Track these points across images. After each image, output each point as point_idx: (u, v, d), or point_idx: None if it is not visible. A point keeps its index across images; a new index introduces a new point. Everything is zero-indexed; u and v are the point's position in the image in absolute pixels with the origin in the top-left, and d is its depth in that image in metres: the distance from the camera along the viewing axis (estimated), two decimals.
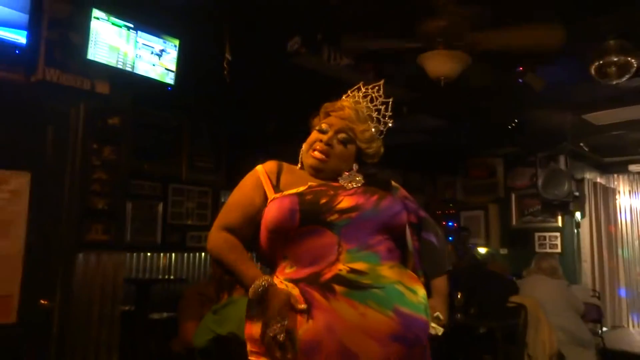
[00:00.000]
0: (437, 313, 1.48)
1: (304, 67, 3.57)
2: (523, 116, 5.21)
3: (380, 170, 6.18)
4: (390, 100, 1.54)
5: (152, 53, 3.01)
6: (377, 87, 1.54)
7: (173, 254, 4.57)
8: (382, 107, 1.52)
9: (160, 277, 4.41)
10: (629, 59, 3.42)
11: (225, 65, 3.09)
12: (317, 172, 1.46)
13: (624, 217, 7.87)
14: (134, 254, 4.25)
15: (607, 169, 7.67)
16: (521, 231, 6.77)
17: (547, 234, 6.60)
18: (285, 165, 1.52)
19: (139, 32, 2.95)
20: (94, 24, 2.75)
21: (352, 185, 1.44)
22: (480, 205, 7.11)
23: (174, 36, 3.09)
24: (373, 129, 1.51)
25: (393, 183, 1.53)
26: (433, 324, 1.43)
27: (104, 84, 2.83)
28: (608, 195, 7.70)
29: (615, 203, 7.83)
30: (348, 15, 3.21)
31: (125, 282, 2.94)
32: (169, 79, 3.09)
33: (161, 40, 3.05)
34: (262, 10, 3.10)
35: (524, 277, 5.25)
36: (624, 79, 3.53)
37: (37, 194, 2.53)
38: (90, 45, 2.73)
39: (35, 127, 2.63)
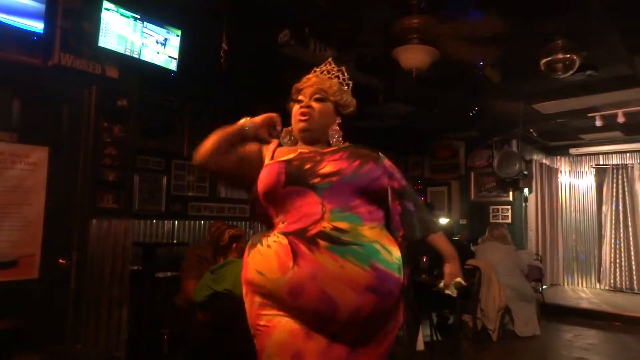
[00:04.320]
0: (459, 279, 1.47)
1: (292, 57, 3.54)
2: (482, 105, 5.26)
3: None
4: (344, 67, 1.57)
5: (156, 42, 2.95)
6: (328, 63, 1.57)
7: (176, 221, 4.56)
8: (340, 74, 1.55)
9: (164, 241, 4.40)
10: (574, 56, 3.47)
11: (222, 54, 3.04)
12: (306, 132, 1.47)
13: (564, 193, 8.06)
14: (141, 221, 4.23)
15: (551, 152, 7.80)
16: (478, 204, 6.90)
17: (500, 207, 6.74)
18: (283, 147, 1.53)
19: (145, 23, 2.88)
20: (104, 15, 2.68)
21: (338, 140, 1.49)
22: (444, 181, 7.21)
23: (177, 27, 3.03)
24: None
25: (380, 153, 1.51)
26: (451, 288, 1.45)
27: (113, 69, 2.78)
28: (552, 174, 7.86)
29: (558, 181, 8.01)
30: (332, 12, 3.18)
31: (133, 245, 2.94)
32: (172, 65, 3.04)
33: (165, 30, 2.98)
34: (256, 5, 3.05)
35: (479, 243, 5.38)
36: (568, 74, 3.58)
37: (55, 166, 2.50)
38: (101, 33, 2.66)
39: (52, 107, 2.59)
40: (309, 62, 3.76)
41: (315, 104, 1.47)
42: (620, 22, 3.20)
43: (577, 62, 3.49)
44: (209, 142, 1.37)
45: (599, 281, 7.55)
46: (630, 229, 7.28)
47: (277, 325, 1.27)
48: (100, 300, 2.62)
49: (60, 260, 2.50)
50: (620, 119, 5.27)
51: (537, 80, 4.24)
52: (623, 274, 7.29)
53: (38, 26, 2.40)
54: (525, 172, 6.41)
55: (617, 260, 7.34)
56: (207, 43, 3.08)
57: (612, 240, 7.40)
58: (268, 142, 1.48)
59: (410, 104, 5.29)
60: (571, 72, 3.54)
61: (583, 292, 7.28)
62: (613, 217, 7.42)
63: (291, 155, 1.40)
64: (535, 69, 3.62)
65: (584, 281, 7.78)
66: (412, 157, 7.59)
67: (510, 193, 6.66)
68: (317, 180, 1.33)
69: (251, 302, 1.33)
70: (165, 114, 4.54)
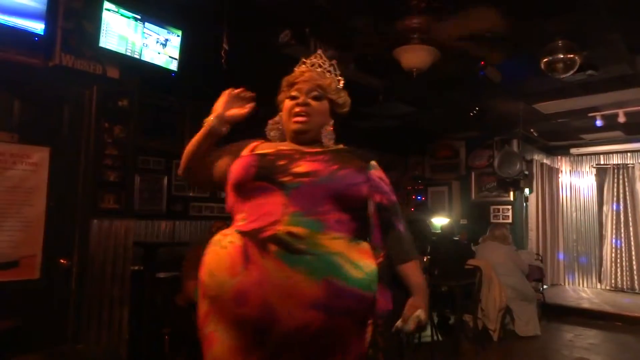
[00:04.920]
0: (419, 312, 1.24)
1: (293, 57, 3.53)
2: (483, 105, 5.25)
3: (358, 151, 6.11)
4: (334, 61, 1.46)
5: (157, 42, 2.95)
6: (317, 56, 1.46)
7: (176, 222, 4.56)
8: (331, 68, 1.44)
9: (165, 241, 4.41)
10: (574, 57, 3.47)
11: (223, 54, 3.04)
12: (302, 134, 1.36)
13: (564, 193, 8.05)
14: (142, 221, 4.23)
15: (552, 152, 7.80)
16: (479, 204, 6.89)
17: (500, 207, 6.74)
18: (264, 142, 1.44)
19: (145, 23, 2.88)
20: (105, 15, 2.68)
21: (329, 142, 1.38)
22: (445, 181, 7.20)
23: (177, 27, 3.03)
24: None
25: (372, 162, 1.38)
26: (409, 322, 1.23)
27: (114, 69, 2.78)
28: (552, 174, 7.85)
29: (558, 181, 8.00)
30: (332, 13, 3.18)
31: (134, 245, 2.94)
32: (173, 65, 3.04)
33: (165, 31, 2.98)
34: (256, 5, 3.05)
35: (479, 243, 5.38)
36: (569, 74, 3.58)
37: (56, 166, 2.50)
38: (101, 34, 2.67)
39: (53, 107, 2.59)
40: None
41: (312, 102, 1.36)
42: (621, 22, 3.20)
43: (578, 62, 3.49)
44: (184, 152, 1.36)
45: (600, 281, 7.55)
46: (631, 228, 7.27)
47: (217, 340, 1.17)
48: (101, 300, 2.62)
49: (61, 261, 2.50)
50: (621, 119, 5.27)
51: (537, 80, 4.23)
52: (624, 273, 7.28)
53: (39, 27, 2.40)
54: (526, 172, 6.41)
55: (618, 260, 7.34)
56: (208, 43, 3.09)
57: (613, 240, 7.40)
58: (244, 115, 1.38)
59: (410, 104, 5.29)
60: (572, 72, 3.54)
61: (584, 292, 7.28)
62: (614, 217, 7.42)
63: (269, 150, 1.33)
64: (536, 69, 3.62)
65: (584, 281, 7.78)
66: (413, 157, 7.58)
67: (511, 193, 6.66)
68: (287, 178, 1.22)
69: (200, 307, 1.23)
70: (166, 114, 4.54)
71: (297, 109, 1.35)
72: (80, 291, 2.55)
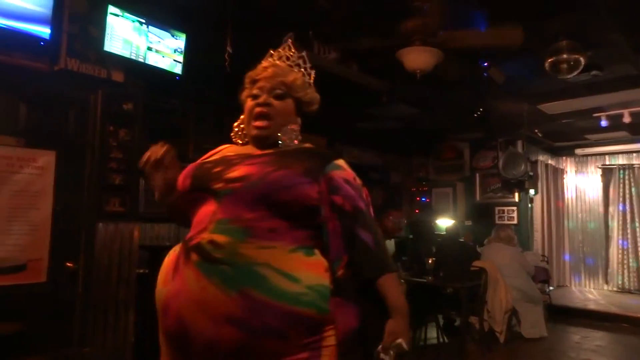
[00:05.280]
0: (400, 340, 1.09)
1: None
2: (487, 105, 5.25)
3: (362, 153, 6.21)
4: (304, 53, 1.35)
5: (161, 46, 2.98)
6: (287, 47, 1.35)
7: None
8: (301, 61, 1.33)
9: (170, 244, 4.41)
10: (578, 57, 3.46)
11: (226, 57, 3.06)
12: (264, 140, 1.24)
13: (570, 194, 8.02)
14: (147, 224, 4.25)
15: (557, 152, 7.77)
16: (484, 205, 6.88)
17: (505, 208, 6.72)
18: (233, 145, 1.35)
19: (150, 27, 2.90)
20: (109, 19, 2.71)
21: (291, 141, 1.25)
22: (449, 183, 7.19)
23: (181, 30, 3.05)
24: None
25: (337, 162, 1.22)
26: (389, 353, 1.08)
27: (119, 73, 2.80)
28: (557, 174, 7.83)
29: (563, 182, 7.97)
30: (335, 15, 3.20)
31: (140, 248, 2.95)
32: (177, 69, 3.06)
33: (169, 34, 3.00)
34: (259, 8, 3.07)
35: (485, 244, 5.37)
36: (573, 74, 3.57)
37: (62, 170, 2.52)
38: (106, 38, 2.69)
39: (58, 111, 2.61)
40: (312, 66, 3.80)
41: (275, 102, 1.24)
42: (623, 22, 3.19)
43: (582, 62, 3.48)
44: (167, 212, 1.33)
45: (607, 282, 7.51)
46: (637, 229, 7.23)
47: (161, 351, 1.15)
48: (107, 303, 2.64)
49: (68, 264, 2.52)
50: (626, 119, 5.25)
51: (542, 81, 4.23)
52: (630, 274, 7.24)
53: (44, 31, 2.42)
54: (531, 173, 6.39)
55: (625, 261, 7.30)
56: (212, 46, 3.10)
57: (619, 241, 7.36)
58: (163, 156, 1.27)
59: (413, 105, 5.30)
60: (576, 72, 3.54)
61: (590, 293, 7.24)
62: (620, 218, 7.38)
63: (212, 158, 1.26)
64: (539, 70, 3.61)
65: (591, 282, 7.74)
66: (417, 159, 7.58)
67: (516, 194, 6.64)
68: (219, 185, 1.13)
69: None
70: (171, 117, 4.56)
71: (257, 110, 1.24)
72: (86, 294, 2.57)
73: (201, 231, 1.09)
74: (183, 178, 1.22)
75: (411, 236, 6.38)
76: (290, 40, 1.38)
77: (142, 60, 2.88)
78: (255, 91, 1.26)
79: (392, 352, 1.09)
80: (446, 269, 4.39)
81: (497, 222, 6.53)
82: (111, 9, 2.71)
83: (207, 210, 1.12)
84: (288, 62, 1.33)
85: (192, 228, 1.14)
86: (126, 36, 2.78)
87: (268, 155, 1.20)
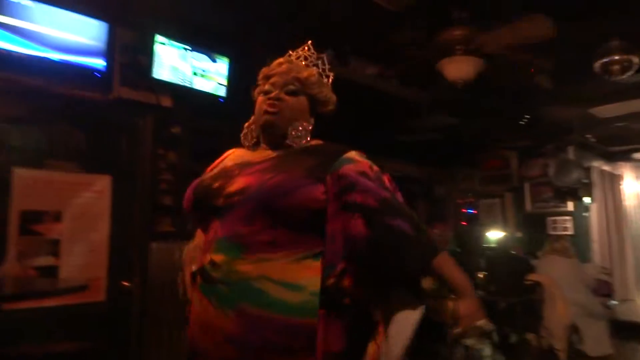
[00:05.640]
0: (481, 322, 1.02)
1: (336, 76, 3.60)
2: (534, 112, 5.10)
3: (404, 166, 6.14)
4: (325, 55, 1.29)
5: (206, 70, 3.10)
6: (306, 47, 1.28)
7: None
8: (319, 62, 1.27)
9: None
10: (631, 57, 3.31)
11: None
12: (270, 127, 1.17)
13: (630, 201, 7.58)
14: None
15: (612, 157, 7.39)
16: (535, 216, 6.61)
17: (559, 218, 6.42)
18: (238, 150, 1.27)
19: (194, 53, 3.04)
20: (157, 48, 2.86)
21: (299, 139, 1.16)
22: (496, 193, 6.98)
23: (224, 55, 3.17)
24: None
25: (347, 155, 1.11)
26: (471, 336, 1.00)
27: (167, 98, 2.94)
28: (614, 181, 7.43)
29: (621, 188, 7.56)
30: (373, 29, 3.23)
31: None
32: (221, 92, 3.18)
33: (213, 59, 3.13)
34: (296, 28, 3.15)
35: (539, 257, 5.15)
36: (626, 76, 3.42)
37: (117, 193, 2.66)
38: (155, 66, 2.84)
39: (112, 137, 2.77)
40: (351, 81, 3.83)
41: (287, 97, 1.17)
42: None
43: (636, 62, 3.33)
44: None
45: None
46: None
47: None
48: (161, 321, 2.71)
49: (124, 283, 2.63)
50: None
51: (592, 84, 4.06)
52: None
53: (99, 63, 2.59)
54: (585, 180, 6.10)
55: None
56: (253, 68, 3.20)
57: None
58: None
59: (455, 115, 5.22)
60: (629, 73, 3.38)
61: None
62: None
63: (213, 171, 1.19)
64: (589, 72, 3.48)
65: None
66: (461, 170, 7.42)
67: (570, 203, 6.35)
68: (220, 202, 1.07)
69: None
70: (216, 138, 4.71)
71: (268, 102, 1.17)
72: (142, 312, 2.66)
73: (205, 252, 1.06)
74: (186, 199, 1.16)
75: (458, 249, 6.22)
76: (309, 42, 1.30)
77: (188, 85, 3.01)
78: (267, 87, 1.19)
79: (473, 335, 1.01)
80: (498, 283, 4.24)
81: (551, 232, 6.25)
82: (158, 38, 2.86)
83: (212, 230, 1.07)
84: (306, 62, 1.26)
85: (203, 250, 1.10)
86: (173, 63, 2.93)
87: (267, 160, 1.12)
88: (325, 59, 1.27)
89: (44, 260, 2.35)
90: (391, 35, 3.34)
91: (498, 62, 3.45)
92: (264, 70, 1.24)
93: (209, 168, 1.25)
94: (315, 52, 1.28)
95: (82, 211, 2.50)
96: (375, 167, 1.12)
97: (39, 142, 2.51)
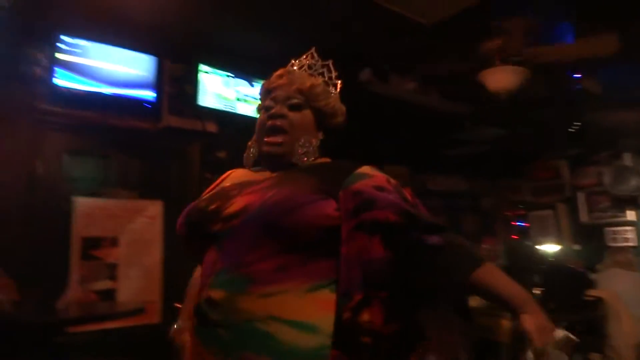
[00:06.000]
0: (563, 333, 0.89)
1: (375, 93, 3.62)
2: (584, 119, 4.91)
3: (448, 180, 6.03)
4: (330, 61, 1.17)
5: (248, 95, 3.21)
6: (309, 55, 1.17)
7: None
8: (325, 70, 1.15)
9: None
10: None
11: None
12: (277, 158, 1.04)
13: None
14: None
15: None
16: (592, 227, 6.28)
17: (618, 229, 6.08)
18: (238, 170, 1.16)
19: (237, 80, 3.16)
20: (202, 77, 3.00)
21: (308, 156, 1.03)
22: (548, 205, 6.71)
23: (265, 79, 3.27)
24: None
25: (359, 171, 0.97)
26: (555, 353, 0.86)
27: (212, 124, 3.06)
28: None
29: None
30: (413, 45, 3.24)
31: None
32: None
33: (255, 84, 3.24)
34: (333, 47, 3.20)
35: (599, 271, 4.89)
36: None
37: (168, 218, 2.77)
38: (200, 94, 2.98)
39: (163, 164, 2.90)
40: (392, 97, 3.84)
41: (291, 114, 1.04)
42: None
43: None
44: None
45: None
46: None
47: None
48: None
49: (176, 305, 2.71)
50: None
51: None
52: None
53: (150, 95, 2.74)
54: None
55: None
56: None
57: None
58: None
59: (500, 126, 5.10)
60: None
61: None
62: None
63: (211, 193, 1.07)
64: None
65: None
66: (509, 182, 7.19)
67: (630, 212, 6.00)
68: (218, 226, 0.92)
69: None
70: None
71: (270, 123, 1.04)
72: None
73: (202, 288, 0.90)
74: (178, 226, 1.02)
75: (509, 264, 5.99)
76: (313, 48, 1.20)
77: (232, 110, 3.12)
78: (267, 102, 1.08)
79: (558, 348, 0.86)
80: (557, 300, 4.04)
81: (611, 244, 5.92)
82: (203, 67, 3.00)
83: (209, 260, 0.92)
84: (310, 72, 1.15)
85: (200, 286, 0.93)
86: (217, 90, 3.05)
87: (270, 179, 1.00)
88: (331, 65, 1.16)
89: (103, 284, 2.47)
90: (429, 49, 3.34)
91: (542, 70, 3.37)
92: (265, 84, 1.13)
93: (206, 190, 1.12)
94: (319, 60, 1.17)
95: (136, 236, 2.63)
96: (393, 180, 0.98)
97: (96, 172, 2.67)
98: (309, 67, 1.16)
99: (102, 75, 2.61)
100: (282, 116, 1.04)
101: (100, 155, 2.71)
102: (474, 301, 0.96)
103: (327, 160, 1.08)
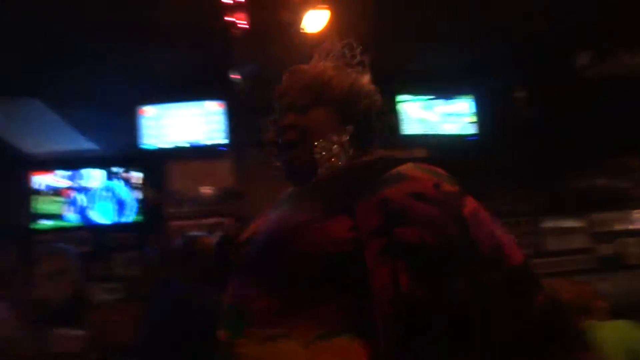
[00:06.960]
0: None
1: (596, 78, 3.13)
2: None
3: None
4: (351, 40, 0.89)
5: (451, 114, 3.16)
6: (345, 45, 0.90)
7: None
8: (346, 49, 0.90)
9: None
10: None
11: (518, 106, 2.98)
12: (300, 177, 0.85)
13: None
14: None
15: None
16: None
17: None
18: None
19: (437, 101, 3.16)
20: (401, 106, 3.10)
21: (332, 164, 0.80)
22: None
23: (467, 93, 3.19)
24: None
25: (396, 170, 0.70)
26: None
27: (420, 150, 3.10)
28: None
29: None
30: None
31: None
32: (470, 129, 3.17)
33: (457, 101, 3.18)
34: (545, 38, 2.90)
35: None
36: None
37: None
38: (402, 123, 3.07)
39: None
40: (617, 77, 3.25)
41: (300, 119, 0.84)
42: None
43: None
44: None
45: None
46: None
47: None
48: None
49: None
50: None
51: None
52: None
53: None
54: None
55: None
56: (501, 98, 3.10)
57: None
58: None
59: None
60: None
61: None
62: None
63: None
64: None
65: None
66: None
67: None
68: (234, 256, 0.83)
69: None
70: (468, 177, 4.62)
71: (274, 144, 0.88)
72: None
73: None
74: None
75: None
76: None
77: (436, 132, 3.12)
78: (275, 115, 0.89)
79: None
80: None
81: None
82: (401, 97, 3.11)
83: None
84: (328, 59, 0.92)
85: None
86: (418, 115, 3.10)
87: (286, 194, 0.86)
88: (353, 44, 0.91)
89: None
90: None
91: None
92: (277, 88, 0.91)
93: None
94: (341, 43, 0.91)
95: None
96: (446, 186, 0.68)
97: None
98: (327, 54, 0.91)
99: None
100: (290, 126, 0.84)
101: None
102: None
103: (368, 159, 0.82)
